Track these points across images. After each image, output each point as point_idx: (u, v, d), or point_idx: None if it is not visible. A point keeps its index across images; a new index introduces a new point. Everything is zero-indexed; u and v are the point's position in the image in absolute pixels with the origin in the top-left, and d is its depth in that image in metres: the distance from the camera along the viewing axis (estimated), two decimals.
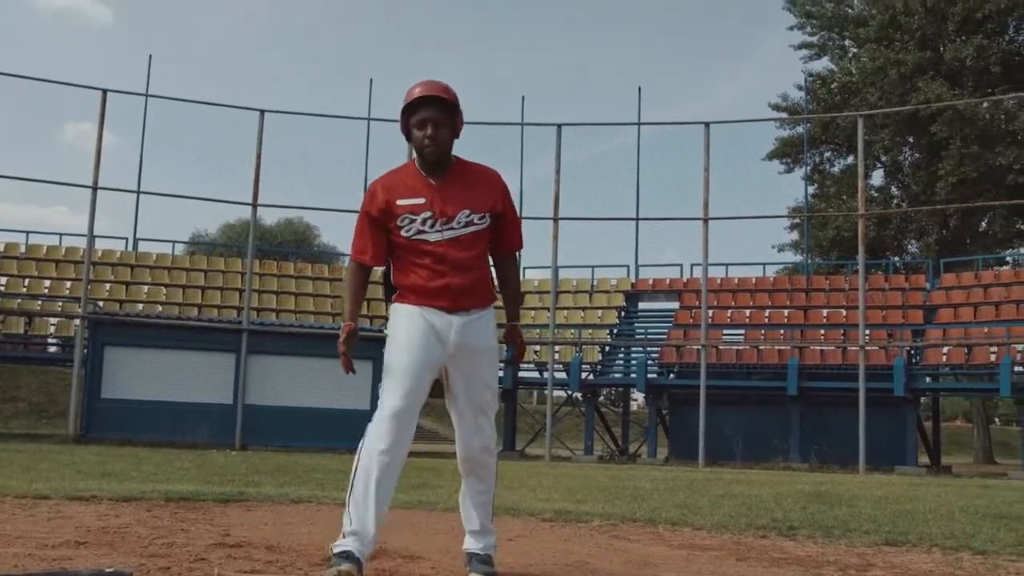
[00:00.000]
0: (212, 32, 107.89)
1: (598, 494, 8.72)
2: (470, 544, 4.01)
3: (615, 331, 25.72)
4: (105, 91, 20.36)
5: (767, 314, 25.19)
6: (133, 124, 25.36)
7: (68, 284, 24.12)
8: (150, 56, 27.10)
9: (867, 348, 20.39)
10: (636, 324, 26.50)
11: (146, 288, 25.00)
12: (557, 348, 22.72)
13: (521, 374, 24.52)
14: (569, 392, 24.96)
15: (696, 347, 21.62)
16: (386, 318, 3.96)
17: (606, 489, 9.54)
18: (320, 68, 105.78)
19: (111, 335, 20.00)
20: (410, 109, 3.78)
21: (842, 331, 23.39)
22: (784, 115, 37.25)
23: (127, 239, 26.46)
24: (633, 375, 23.34)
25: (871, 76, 34.57)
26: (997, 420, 55.83)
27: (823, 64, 38.79)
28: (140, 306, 23.96)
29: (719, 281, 25.96)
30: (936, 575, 4.40)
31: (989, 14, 33.41)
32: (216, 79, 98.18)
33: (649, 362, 23.31)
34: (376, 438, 3.62)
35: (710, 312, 22.90)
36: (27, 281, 24.21)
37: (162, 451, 14.93)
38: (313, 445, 18.12)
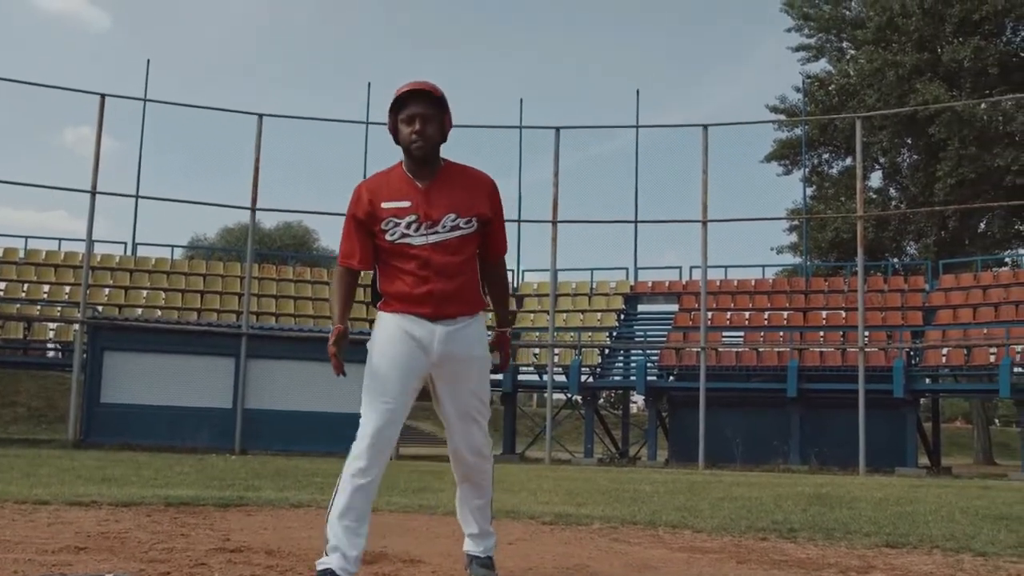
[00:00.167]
0: (210, 36, 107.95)
1: (598, 497, 8.72)
2: (470, 547, 3.98)
3: (614, 334, 25.72)
4: (103, 96, 20.37)
5: (766, 316, 25.20)
6: (132, 128, 25.38)
7: (67, 289, 24.11)
8: (148, 61, 27.14)
9: (866, 350, 20.39)
10: (635, 326, 26.50)
11: (145, 292, 24.99)
12: (556, 351, 22.73)
13: (521, 377, 24.52)
14: (569, 395, 24.95)
15: (695, 349, 21.62)
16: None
17: (606, 492, 9.54)
18: (318, 72, 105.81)
19: (110, 340, 19.99)
20: (398, 105, 3.72)
21: (841, 333, 23.39)
22: (782, 117, 37.28)
23: (126, 243, 26.46)
24: (633, 377, 23.33)
25: (869, 78, 34.58)
26: (997, 421, 55.81)
27: (821, 66, 38.85)
28: (139, 311, 23.93)
29: (718, 283, 25.96)
30: None
31: (986, 15, 33.43)
32: (214, 83, 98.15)
33: (649, 364, 23.30)
34: (354, 458, 3.58)
35: (709, 314, 22.90)
36: (26, 286, 24.19)
37: (162, 456, 14.93)
38: (313, 449, 18.11)
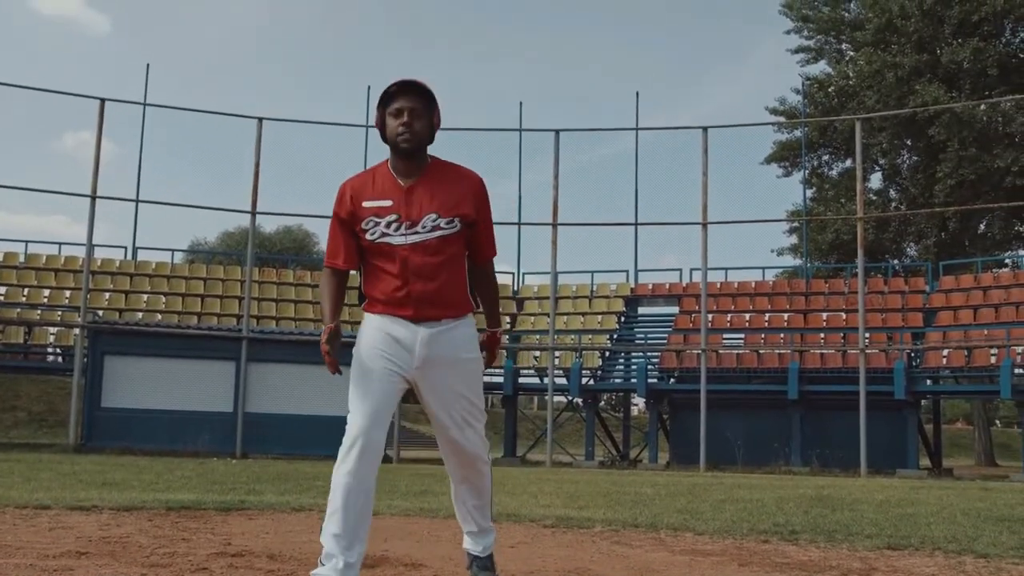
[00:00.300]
0: (209, 40, 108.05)
1: (600, 500, 8.71)
2: (470, 545, 3.96)
3: (615, 336, 25.72)
4: (103, 100, 20.38)
5: (767, 318, 25.19)
6: (131, 133, 25.38)
7: (67, 293, 24.11)
8: (148, 65, 27.10)
9: (867, 351, 20.37)
10: (636, 329, 26.50)
11: (145, 297, 24.99)
12: (557, 354, 22.72)
13: (521, 380, 24.52)
14: (570, 397, 24.94)
15: (696, 351, 21.61)
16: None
17: (608, 495, 9.53)
18: (318, 75, 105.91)
19: (111, 344, 20.00)
20: (386, 99, 3.64)
21: (842, 334, 23.38)
22: (782, 119, 37.32)
23: (126, 248, 26.48)
24: (633, 380, 23.32)
25: (868, 79, 34.60)
26: (998, 422, 55.83)
27: (820, 68, 38.89)
28: (139, 315, 23.94)
29: (718, 285, 25.96)
30: None
31: (985, 16, 33.45)
32: (214, 87, 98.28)
33: (649, 367, 23.28)
34: (341, 462, 3.54)
35: (710, 316, 22.89)
36: (26, 290, 24.19)
37: (163, 460, 14.93)
38: (314, 453, 18.06)
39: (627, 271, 27.03)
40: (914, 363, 22.23)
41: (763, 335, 24.21)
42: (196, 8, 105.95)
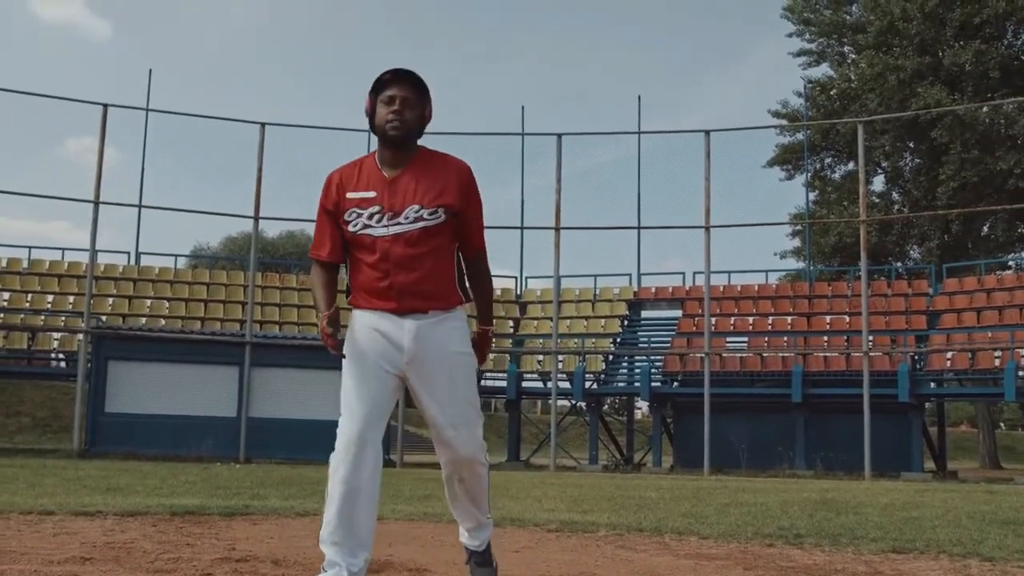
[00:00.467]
0: (211, 45, 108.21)
1: (604, 504, 8.70)
2: (466, 539, 3.90)
3: (618, 340, 25.71)
4: (106, 106, 20.40)
5: (770, 321, 25.17)
6: (134, 138, 25.44)
7: (71, 299, 24.15)
8: (150, 70, 27.30)
9: (871, 354, 20.35)
10: (639, 333, 26.49)
11: (149, 302, 25.02)
12: (560, 357, 22.71)
13: (525, 384, 24.52)
14: (573, 401, 24.93)
15: (699, 355, 21.60)
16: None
17: (612, 499, 9.52)
18: (320, 78, 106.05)
19: (114, 349, 20.03)
20: (379, 86, 3.58)
21: (845, 337, 23.37)
22: (784, 122, 37.31)
23: (129, 253, 26.52)
24: (637, 384, 23.32)
25: (870, 82, 34.60)
26: (1002, 425, 55.78)
27: (822, 71, 38.90)
28: (143, 320, 23.98)
29: (722, 289, 25.95)
30: None
31: (987, 19, 33.45)
32: (216, 92, 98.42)
33: (653, 371, 23.27)
34: (334, 467, 3.49)
35: (713, 320, 22.88)
36: (30, 296, 24.23)
37: (167, 465, 14.93)
38: (318, 457, 17.90)
39: (630, 275, 27.06)
40: (918, 366, 22.21)
41: (766, 338, 24.19)
42: (197, 13, 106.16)
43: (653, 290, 26.98)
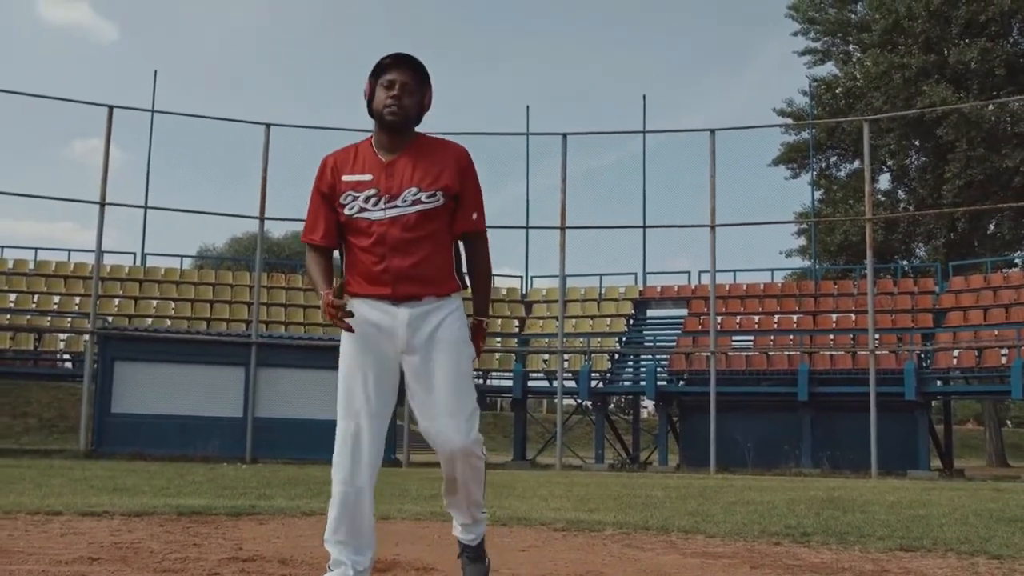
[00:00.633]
0: (217, 46, 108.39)
1: (610, 503, 8.70)
2: (460, 533, 3.79)
3: (624, 339, 25.69)
4: (111, 107, 20.44)
5: (776, 320, 25.14)
6: (140, 140, 25.51)
7: (77, 300, 24.20)
8: (155, 72, 27.17)
9: (877, 352, 20.32)
10: (645, 331, 26.48)
11: (155, 303, 25.06)
12: (566, 357, 22.71)
13: (531, 383, 24.51)
14: (579, 400, 24.92)
15: (705, 354, 21.58)
16: None
17: (618, 498, 9.52)
18: (324, 80, 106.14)
19: (121, 350, 20.06)
20: (379, 70, 3.50)
21: (852, 336, 23.33)
22: (789, 121, 37.26)
23: (135, 254, 26.55)
24: (643, 383, 23.30)
25: (876, 80, 34.54)
26: (1009, 423, 55.65)
27: (827, 69, 38.84)
28: (149, 321, 24.02)
29: (727, 287, 25.93)
30: None
31: (992, 17, 33.38)
32: (222, 92, 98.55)
33: (659, 369, 23.27)
34: (335, 467, 3.47)
35: (719, 319, 22.86)
36: (36, 297, 24.29)
37: (173, 465, 14.95)
38: (324, 457, 17.83)
39: (635, 274, 27.03)
40: (924, 364, 22.17)
41: (772, 337, 24.16)
42: (202, 15, 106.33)
43: (659, 289, 26.96)
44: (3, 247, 25.97)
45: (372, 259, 3.44)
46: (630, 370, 25.19)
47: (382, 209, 3.44)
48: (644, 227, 25.41)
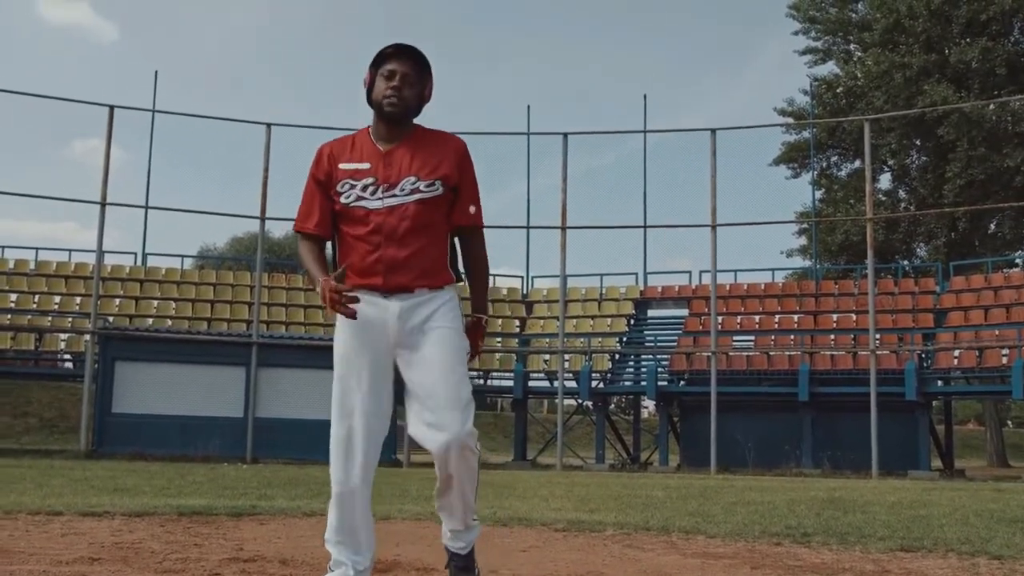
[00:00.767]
0: (217, 45, 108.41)
1: (611, 503, 8.70)
2: (450, 542, 3.65)
3: (625, 339, 25.69)
4: (112, 107, 20.46)
5: (777, 320, 25.14)
6: (140, 139, 25.51)
7: (78, 300, 24.22)
8: (156, 72, 27.16)
9: (878, 352, 20.32)
10: (646, 331, 26.48)
11: (156, 303, 25.07)
12: (567, 357, 22.71)
13: (531, 383, 24.52)
14: (579, 400, 24.92)
15: (706, 354, 21.58)
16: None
17: (619, 498, 9.52)
18: (325, 80, 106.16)
19: (121, 350, 20.08)
20: (381, 60, 3.45)
21: (852, 336, 23.32)
22: (790, 120, 37.25)
23: (136, 254, 26.56)
24: (643, 383, 23.30)
25: (876, 80, 34.54)
26: (1010, 423, 55.63)
27: (828, 68, 38.84)
28: (150, 321, 24.03)
29: (728, 287, 25.92)
30: None
31: (993, 16, 33.38)
32: (222, 92, 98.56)
33: (659, 369, 23.27)
34: (331, 468, 3.45)
35: (720, 318, 22.86)
36: (37, 297, 24.30)
37: (174, 465, 14.95)
38: (324, 458, 17.84)
39: (636, 274, 27.04)
40: (925, 364, 22.17)
41: (773, 337, 24.16)
42: (203, 14, 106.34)
43: (659, 289, 26.96)
44: (4, 247, 26.03)
45: (366, 248, 3.39)
46: (631, 370, 25.19)
47: (380, 198, 3.39)
48: (645, 227, 25.43)
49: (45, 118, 28.99)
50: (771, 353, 22.90)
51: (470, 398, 3.40)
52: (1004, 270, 28.20)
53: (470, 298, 3.67)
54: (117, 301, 24.63)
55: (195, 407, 19.64)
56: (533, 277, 27.86)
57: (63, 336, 23.37)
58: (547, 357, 24.32)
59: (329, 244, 3.57)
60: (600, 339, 25.33)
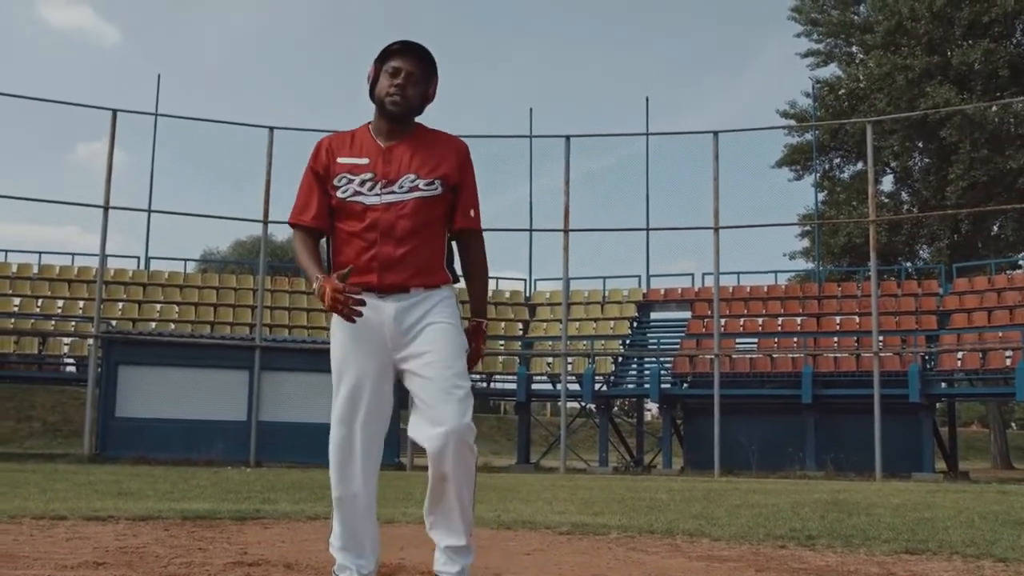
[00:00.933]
0: (220, 49, 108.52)
1: (615, 506, 8.69)
2: (442, 566, 3.39)
3: (627, 342, 25.68)
4: (115, 111, 20.50)
5: (780, 322, 25.13)
6: (143, 143, 25.52)
7: (81, 303, 24.22)
8: (159, 75, 27.21)
9: (881, 354, 20.30)
10: (648, 334, 26.47)
11: (159, 306, 25.08)
12: (570, 359, 22.70)
13: (534, 386, 24.52)
14: (583, 403, 24.92)
15: (709, 356, 21.57)
16: None
17: (622, 501, 9.51)
18: (327, 82, 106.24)
19: (125, 354, 20.09)
20: (386, 56, 3.41)
21: (855, 338, 23.30)
22: (792, 122, 37.23)
23: (139, 257, 26.58)
24: (646, 385, 23.28)
25: (879, 82, 34.51)
26: (1013, 425, 55.55)
27: (830, 71, 38.82)
28: (153, 324, 24.04)
29: (731, 290, 25.91)
30: None
31: (996, 18, 33.35)
32: (225, 95, 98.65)
33: (662, 372, 23.25)
34: (331, 474, 3.42)
35: (722, 321, 22.84)
36: (40, 301, 24.31)
37: (177, 469, 14.97)
38: (328, 461, 18.08)
39: (639, 276, 27.04)
40: (928, 366, 22.15)
41: (776, 339, 24.15)
42: (204, 17, 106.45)
43: (662, 291, 26.96)
44: (7, 251, 26.02)
45: (361, 245, 3.34)
46: (634, 373, 25.17)
47: (378, 194, 3.34)
48: (647, 229, 25.42)
49: (48, 122, 29.03)
50: (774, 355, 22.89)
51: (468, 392, 3.30)
52: (1007, 272, 28.18)
53: (469, 302, 3.61)
54: (120, 305, 24.65)
55: (198, 411, 19.64)
56: (536, 280, 27.89)
57: (66, 340, 23.38)
58: (550, 360, 24.31)
59: (323, 242, 3.53)
60: (603, 342, 25.33)
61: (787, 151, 36.85)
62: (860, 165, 37.02)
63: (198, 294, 25.78)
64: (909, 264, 35.96)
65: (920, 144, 36.78)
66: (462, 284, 3.60)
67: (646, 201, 25.71)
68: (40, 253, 26.03)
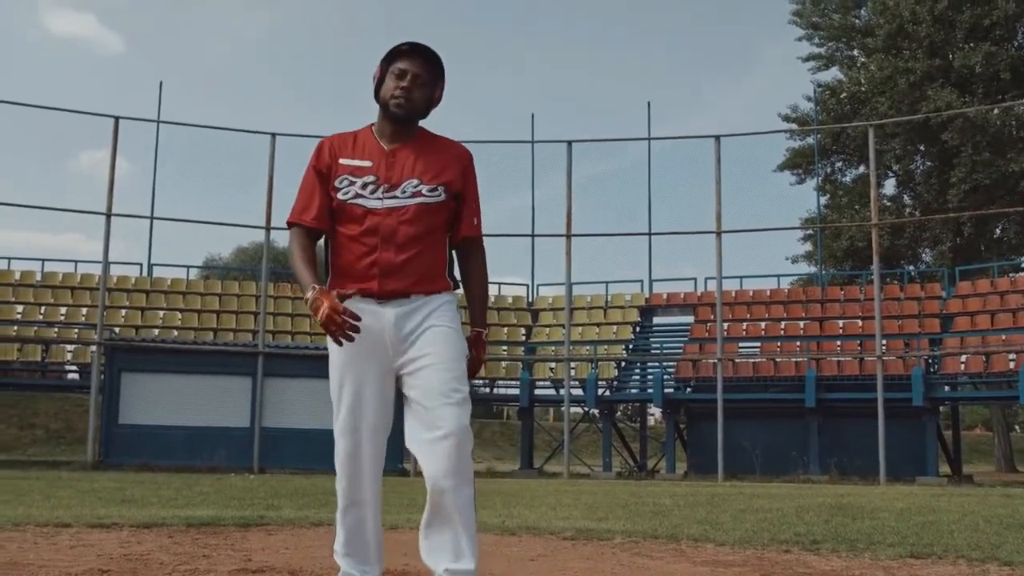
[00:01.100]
0: (221, 56, 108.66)
1: (619, 511, 8.68)
2: None
3: (630, 346, 25.68)
4: (117, 118, 20.53)
5: (783, 326, 25.11)
6: (146, 150, 25.55)
7: (84, 311, 24.24)
8: (161, 83, 27.28)
9: (884, 358, 20.27)
10: (651, 339, 26.45)
11: (161, 313, 25.10)
12: (573, 365, 22.69)
13: (537, 391, 24.51)
14: (586, 408, 24.90)
15: (712, 361, 21.55)
16: None
17: (626, 506, 9.50)
18: (328, 89, 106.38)
19: (127, 361, 20.09)
20: (393, 57, 3.36)
21: (859, 342, 23.28)
22: (794, 126, 37.23)
23: (142, 265, 26.61)
24: (650, 390, 23.28)
25: (880, 85, 34.52)
26: (1017, 428, 55.43)
27: (832, 74, 38.82)
28: (156, 331, 24.06)
29: (734, 294, 25.91)
30: None
31: (997, 21, 33.34)
32: (227, 102, 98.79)
33: (665, 377, 23.23)
34: (338, 484, 3.41)
35: (725, 325, 22.82)
36: (43, 308, 24.34)
37: (181, 476, 14.96)
38: (331, 467, 17.91)
39: (642, 281, 27.06)
40: (932, 369, 22.11)
41: (779, 343, 24.13)
42: (206, 25, 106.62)
43: (665, 296, 26.95)
44: (10, 258, 26.05)
45: (361, 250, 3.27)
46: (637, 378, 25.17)
47: (379, 198, 3.28)
48: (650, 234, 25.43)
49: (51, 129, 29.07)
50: (777, 359, 22.87)
51: (467, 397, 3.24)
52: (1010, 275, 28.14)
53: (469, 311, 3.56)
54: (123, 312, 24.68)
55: (201, 417, 19.64)
56: (538, 285, 27.90)
57: (69, 347, 23.40)
58: (553, 365, 24.31)
59: (320, 244, 3.47)
60: (606, 347, 25.32)
61: (789, 155, 36.86)
62: (862, 169, 37.02)
63: (201, 301, 25.79)
64: (912, 267, 35.92)
65: (922, 147, 36.78)
66: (462, 291, 3.57)
67: (648, 205, 25.78)
68: (43, 260, 26.08)
